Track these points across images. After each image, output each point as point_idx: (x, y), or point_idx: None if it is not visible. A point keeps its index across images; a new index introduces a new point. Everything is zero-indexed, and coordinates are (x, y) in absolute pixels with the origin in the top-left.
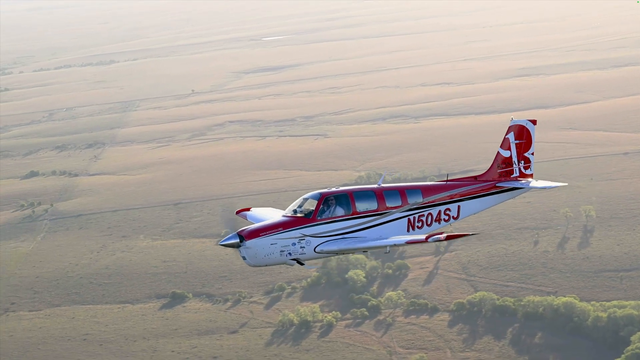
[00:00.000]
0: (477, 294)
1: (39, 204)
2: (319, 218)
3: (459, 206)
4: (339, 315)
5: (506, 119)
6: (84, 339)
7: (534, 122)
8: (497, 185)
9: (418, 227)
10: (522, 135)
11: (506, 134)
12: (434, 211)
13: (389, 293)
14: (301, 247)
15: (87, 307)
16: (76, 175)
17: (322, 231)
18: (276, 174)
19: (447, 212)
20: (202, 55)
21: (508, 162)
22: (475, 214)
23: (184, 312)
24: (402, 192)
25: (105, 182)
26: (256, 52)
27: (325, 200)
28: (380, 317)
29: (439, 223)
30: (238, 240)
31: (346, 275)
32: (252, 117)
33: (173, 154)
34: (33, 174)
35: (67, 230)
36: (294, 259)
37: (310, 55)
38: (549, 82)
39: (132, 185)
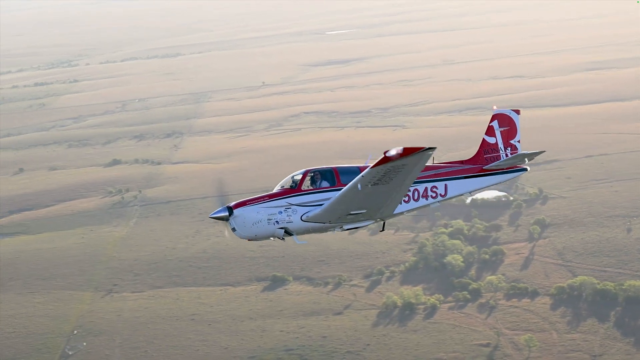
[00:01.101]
0: (577, 279)
1: (127, 190)
2: (304, 188)
3: (446, 185)
4: (442, 298)
5: (585, 111)
6: (192, 319)
7: (517, 111)
8: (483, 168)
9: (405, 201)
10: (506, 123)
11: (490, 122)
12: (421, 187)
13: (489, 277)
14: (288, 216)
15: (189, 289)
16: (159, 163)
17: (307, 200)
18: (361, 164)
19: (434, 189)
20: (267, 49)
21: (494, 148)
22: (463, 194)
23: (286, 295)
24: None
25: (189, 170)
26: (321, 46)
27: (310, 173)
28: (482, 300)
29: (426, 199)
30: (227, 213)
31: (444, 260)
32: (327, 109)
33: (254, 144)
34: (116, 162)
35: (158, 216)
36: (282, 228)
37: (376, 49)
38: (621, 75)
39: (218, 173)
